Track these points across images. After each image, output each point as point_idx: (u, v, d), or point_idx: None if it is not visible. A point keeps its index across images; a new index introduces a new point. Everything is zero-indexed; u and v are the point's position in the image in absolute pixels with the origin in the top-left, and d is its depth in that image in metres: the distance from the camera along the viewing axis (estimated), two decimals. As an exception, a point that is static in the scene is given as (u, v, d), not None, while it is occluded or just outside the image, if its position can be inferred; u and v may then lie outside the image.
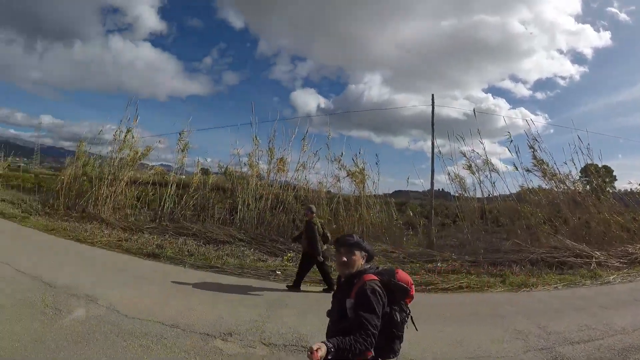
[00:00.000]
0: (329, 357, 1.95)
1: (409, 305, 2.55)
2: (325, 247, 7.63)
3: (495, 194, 14.79)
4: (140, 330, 5.31)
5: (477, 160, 14.98)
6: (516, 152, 15.05)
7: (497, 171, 14.88)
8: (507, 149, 15.42)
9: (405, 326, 2.47)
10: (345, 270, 2.50)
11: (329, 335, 2.37)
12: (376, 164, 15.50)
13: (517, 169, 14.98)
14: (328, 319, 2.64)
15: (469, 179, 15.02)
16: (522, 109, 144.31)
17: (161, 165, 19.09)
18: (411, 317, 2.56)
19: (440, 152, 15.25)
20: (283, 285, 8.33)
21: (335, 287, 2.83)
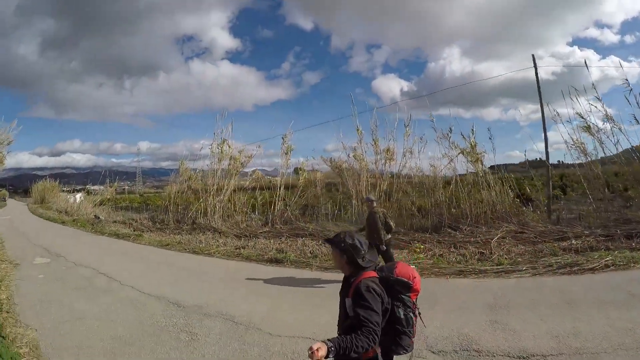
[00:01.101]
0: (331, 356, 1.91)
1: (413, 301, 2.36)
2: (389, 236, 7.16)
3: (611, 153, 12.28)
4: (289, 349, 4.50)
5: (593, 117, 12.50)
6: (637, 103, 11.90)
7: (619, 127, 12.06)
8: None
9: (414, 321, 2.33)
10: (337, 269, 2.52)
11: (339, 333, 2.32)
12: (489, 139, 13.68)
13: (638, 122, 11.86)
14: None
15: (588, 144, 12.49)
16: (612, 57, 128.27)
17: (258, 169, 18.73)
18: (419, 313, 2.41)
19: (556, 112, 13.04)
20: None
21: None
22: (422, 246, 9.71)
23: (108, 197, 25.70)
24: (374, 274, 2.34)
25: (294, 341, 4.65)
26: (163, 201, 18.22)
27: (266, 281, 7.69)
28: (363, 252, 2.35)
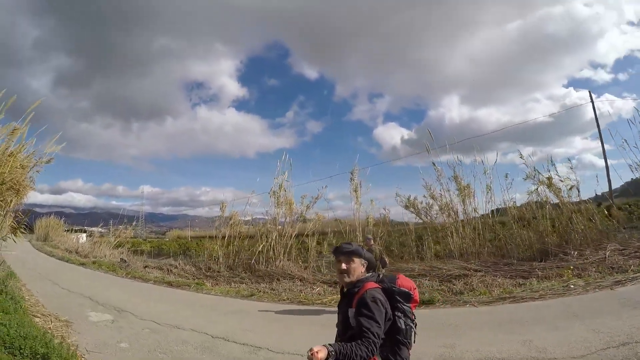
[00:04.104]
0: None
1: (413, 312, 2.36)
2: (383, 270, 7.58)
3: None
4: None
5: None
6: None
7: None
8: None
9: (413, 333, 2.29)
10: (345, 278, 2.39)
11: None
12: (571, 168, 14.21)
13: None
14: None
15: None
16: (607, 94, 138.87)
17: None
18: (415, 324, 2.33)
19: (624, 140, 13.39)
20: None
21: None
22: (571, 267, 9.46)
23: (125, 239, 23.74)
24: (376, 285, 2.31)
25: None
26: (214, 248, 16.33)
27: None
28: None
